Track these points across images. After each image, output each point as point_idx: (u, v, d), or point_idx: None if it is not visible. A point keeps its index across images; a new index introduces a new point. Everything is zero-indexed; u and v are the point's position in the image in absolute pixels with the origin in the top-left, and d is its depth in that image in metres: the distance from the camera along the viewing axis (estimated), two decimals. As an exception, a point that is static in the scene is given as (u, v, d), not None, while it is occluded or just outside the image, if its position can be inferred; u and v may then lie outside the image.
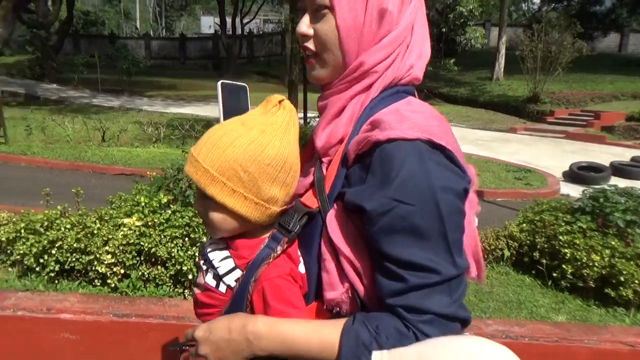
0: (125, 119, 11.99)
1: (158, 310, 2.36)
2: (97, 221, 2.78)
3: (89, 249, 2.64)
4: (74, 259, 2.67)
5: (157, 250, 2.64)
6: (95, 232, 2.69)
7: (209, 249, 0.87)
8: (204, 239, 2.68)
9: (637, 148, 12.13)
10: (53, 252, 2.66)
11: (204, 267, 0.88)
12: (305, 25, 0.84)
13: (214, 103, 17.20)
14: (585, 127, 14.24)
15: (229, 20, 29.56)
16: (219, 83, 1.02)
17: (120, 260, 2.65)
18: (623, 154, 11.16)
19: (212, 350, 0.79)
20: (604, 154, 11.00)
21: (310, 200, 0.83)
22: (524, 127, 14.66)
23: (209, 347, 0.79)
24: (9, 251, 2.91)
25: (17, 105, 14.88)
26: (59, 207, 3.02)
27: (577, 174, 9.01)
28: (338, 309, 0.80)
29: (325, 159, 0.85)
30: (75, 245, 2.65)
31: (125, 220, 2.76)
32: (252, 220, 0.83)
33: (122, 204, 3.06)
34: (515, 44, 20.77)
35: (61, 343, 2.30)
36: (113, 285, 2.66)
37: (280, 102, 0.85)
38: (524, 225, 3.95)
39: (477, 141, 12.19)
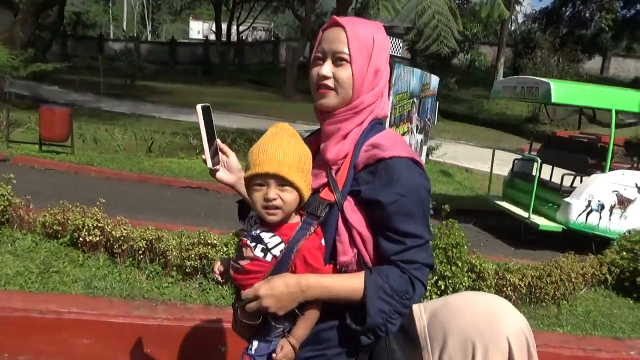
0: (151, 127, 11.98)
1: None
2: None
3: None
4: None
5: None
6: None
7: (258, 231, 1.21)
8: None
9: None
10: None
11: (252, 244, 1.21)
12: (328, 69, 1.21)
13: (220, 113, 17.33)
14: (588, 148, 14.97)
15: (224, 26, 29.58)
16: (199, 106, 1.29)
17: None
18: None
19: (274, 302, 1.14)
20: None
21: (328, 195, 1.20)
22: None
23: (272, 300, 1.14)
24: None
25: (27, 108, 14.63)
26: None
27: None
28: (346, 268, 1.19)
29: (334, 167, 1.23)
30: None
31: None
32: (303, 201, 1.20)
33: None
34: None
35: None
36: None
37: (283, 125, 1.25)
38: (624, 253, 4.35)
39: (497, 161, 12.71)
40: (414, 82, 9.16)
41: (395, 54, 13.86)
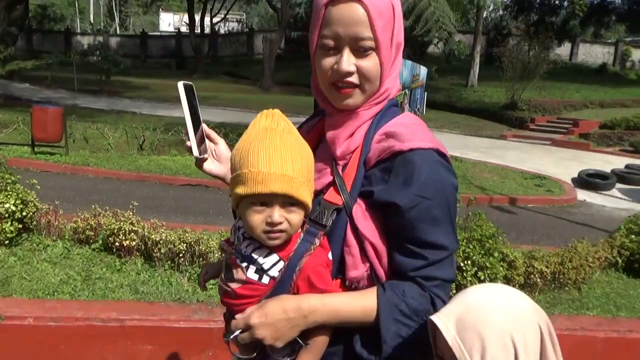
0: (133, 123, 11.74)
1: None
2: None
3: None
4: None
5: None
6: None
7: (249, 249, 0.98)
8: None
9: (619, 155, 13.39)
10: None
11: (243, 264, 0.98)
12: (349, 64, 0.95)
13: (219, 108, 17.12)
14: (566, 134, 15.46)
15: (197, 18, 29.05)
16: (181, 83, 1.07)
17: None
18: (611, 160, 12.32)
19: (271, 332, 0.92)
20: (596, 161, 12.09)
21: (335, 198, 0.98)
22: (512, 134, 15.68)
23: (268, 330, 0.92)
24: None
25: (1, 107, 14.10)
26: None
27: (587, 180, 9.92)
28: (357, 284, 0.98)
29: (341, 162, 1.01)
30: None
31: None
32: (308, 211, 0.98)
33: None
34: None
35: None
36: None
37: (275, 113, 1.00)
38: (632, 236, 4.56)
39: (479, 148, 12.98)
40: (406, 73, 9.28)
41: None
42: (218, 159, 1.15)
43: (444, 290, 0.97)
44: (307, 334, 0.96)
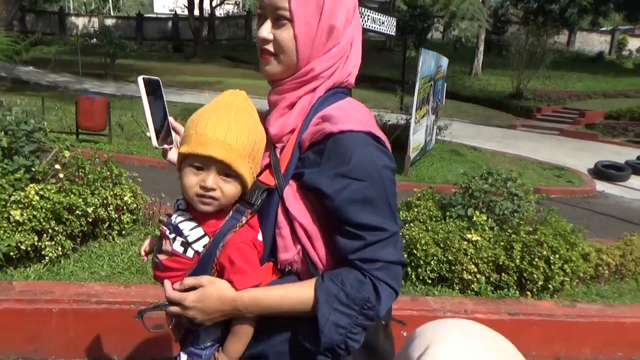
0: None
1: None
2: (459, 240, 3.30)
3: (458, 260, 3.19)
4: (444, 270, 3.20)
5: (505, 261, 3.23)
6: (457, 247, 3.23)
7: (177, 220, 1.01)
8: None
9: (627, 146, 13.75)
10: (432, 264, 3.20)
11: (171, 236, 1.01)
12: (266, 31, 0.99)
13: (211, 92, 17.08)
14: (573, 124, 15.80)
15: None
16: (140, 78, 1.11)
17: (480, 269, 3.21)
18: (620, 151, 12.67)
19: (201, 315, 0.98)
20: (606, 152, 12.43)
21: (268, 179, 1.00)
22: (521, 124, 15.98)
23: (199, 313, 0.98)
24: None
25: (11, 91, 13.96)
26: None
27: (603, 171, 10.25)
28: (290, 267, 0.99)
29: (279, 145, 1.02)
30: (444, 258, 3.19)
31: (469, 236, 3.29)
32: (247, 190, 1.00)
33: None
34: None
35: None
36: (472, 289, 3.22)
37: (240, 93, 1.05)
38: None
39: (493, 138, 13.25)
40: (432, 65, 9.45)
41: (388, 32, 14.04)
42: None
43: (387, 272, 0.95)
44: (233, 320, 1.01)
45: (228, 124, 0.95)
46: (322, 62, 1.01)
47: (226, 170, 0.96)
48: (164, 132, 1.14)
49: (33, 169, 2.85)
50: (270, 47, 1.00)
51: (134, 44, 22.56)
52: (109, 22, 35.02)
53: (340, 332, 0.92)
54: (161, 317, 1.12)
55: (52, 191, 2.80)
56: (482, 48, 21.89)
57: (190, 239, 1.00)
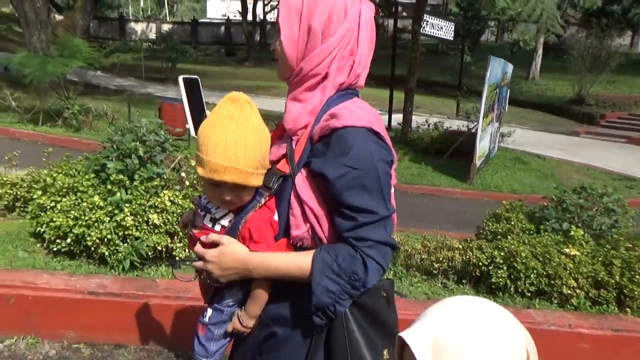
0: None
1: None
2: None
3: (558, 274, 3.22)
4: (544, 284, 3.24)
5: (604, 277, 3.24)
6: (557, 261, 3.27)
7: (205, 200, 1.21)
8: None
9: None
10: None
11: (202, 213, 1.21)
12: (273, 43, 1.21)
13: (265, 97, 17.43)
14: (641, 131, 15.09)
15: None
16: (181, 78, 1.32)
17: (580, 285, 3.24)
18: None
19: (218, 270, 1.16)
20: (680, 161, 11.83)
21: (284, 167, 1.16)
22: (584, 131, 15.42)
23: (216, 267, 1.16)
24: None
25: (85, 94, 14.75)
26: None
27: (678, 182, 9.81)
28: (301, 243, 1.14)
29: (294, 138, 1.17)
30: (544, 272, 3.23)
31: (568, 251, 3.32)
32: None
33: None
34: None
35: (577, 354, 2.88)
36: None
37: (240, 98, 1.16)
38: None
39: (556, 145, 12.90)
40: (499, 72, 9.36)
41: (446, 37, 13.86)
42: None
43: (376, 251, 1.08)
44: (251, 283, 1.18)
45: (234, 145, 1.10)
46: (308, 61, 1.13)
47: (240, 186, 1.13)
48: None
49: (164, 177, 3.11)
50: (276, 55, 1.19)
51: (190, 48, 23.27)
52: (166, 27, 36.38)
53: (330, 297, 1.07)
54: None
55: (179, 197, 3.05)
56: (540, 52, 21.29)
57: (217, 216, 1.19)
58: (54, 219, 2.90)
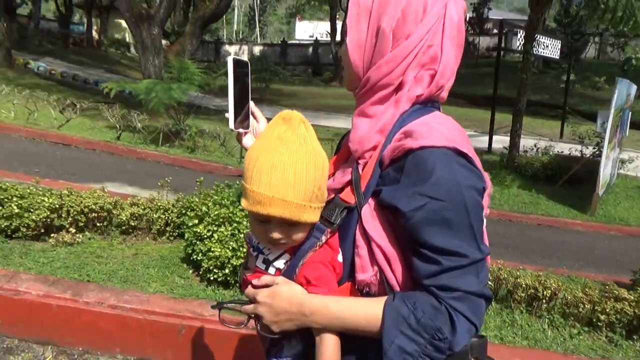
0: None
1: None
2: None
3: None
4: None
5: None
6: None
7: (257, 241, 1.03)
8: None
9: None
10: None
11: (254, 254, 1.03)
12: (340, 48, 1.00)
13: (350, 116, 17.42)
14: None
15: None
16: (230, 58, 1.09)
17: None
18: None
19: (270, 314, 0.96)
20: None
21: (348, 196, 0.96)
22: None
23: (268, 310, 0.96)
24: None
25: (187, 114, 15.60)
26: None
27: None
28: (367, 289, 0.94)
29: (361, 162, 0.98)
30: None
31: None
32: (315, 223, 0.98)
33: None
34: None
35: None
36: None
37: (293, 117, 0.97)
38: None
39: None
40: (624, 93, 8.63)
41: (553, 56, 13.10)
42: (256, 137, 1.19)
43: (466, 304, 0.85)
44: (313, 334, 0.95)
45: (282, 174, 0.91)
46: (377, 69, 0.96)
47: (288, 222, 0.94)
48: (242, 115, 1.15)
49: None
50: (341, 62, 1.06)
51: (284, 70, 24.13)
52: (257, 49, 38.03)
53: (405, 358, 0.84)
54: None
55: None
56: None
57: (270, 257, 1.02)
58: (212, 249, 2.97)
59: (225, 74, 1.20)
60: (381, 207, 0.92)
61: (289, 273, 0.99)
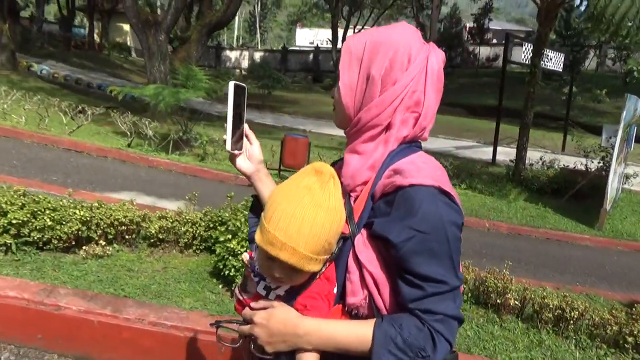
0: (315, 142, 12.32)
1: None
2: None
3: None
4: None
5: None
6: None
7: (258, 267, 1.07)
8: None
9: None
10: None
11: (256, 279, 1.07)
12: (332, 90, 1.13)
13: None
14: None
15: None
16: (232, 83, 1.15)
17: None
18: None
19: (265, 335, 1.02)
20: None
21: (344, 228, 1.04)
22: None
23: (264, 331, 1.02)
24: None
25: (190, 120, 15.61)
26: None
27: None
28: (356, 311, 1.03)
29: (353, 195, 1.08)
30: None
31: None
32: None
33: None
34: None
35: None
36: None
37: (325, 171, 1.02)
38: None
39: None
40: (632, 109, 8.72)
41: (556, 68, 13.19)
42: (249, 158, 1.27)
43: (446, 326, 0.97)
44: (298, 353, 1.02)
45: (298, 226, 0.97)
46: (367, 111, 1.06)
47: (293, 268, 1.00)
48: (236, 137, 1.21)
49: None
50: (333, 103, 1.15)
51: (285, 77, 24.15)
52: (257, 55, 38.10)
53: None
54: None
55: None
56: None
57: (272, 286, 1.07)
58: (246, 265, 2.99)
59: (225, 79, 1.25)
60: (373, 237, 1.02)
61: (288, 300, 1.06)
